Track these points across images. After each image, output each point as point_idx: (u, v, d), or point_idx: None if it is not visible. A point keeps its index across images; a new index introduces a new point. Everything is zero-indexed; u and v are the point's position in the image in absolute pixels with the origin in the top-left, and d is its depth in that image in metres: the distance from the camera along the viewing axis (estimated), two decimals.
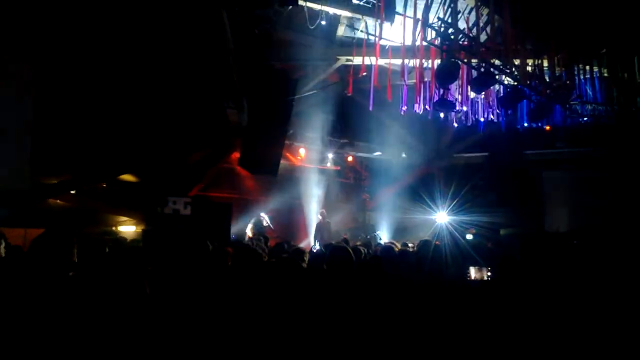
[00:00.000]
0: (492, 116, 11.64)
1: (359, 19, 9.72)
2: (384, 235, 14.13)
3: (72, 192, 9.60)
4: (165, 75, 8.30)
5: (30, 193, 8.69)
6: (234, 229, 11.26)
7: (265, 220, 12.04)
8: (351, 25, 10.05)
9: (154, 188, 9.64)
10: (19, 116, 7.20)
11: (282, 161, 10.69)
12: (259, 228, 11.75)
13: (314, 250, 9.32)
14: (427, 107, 10.34)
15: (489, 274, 5.63)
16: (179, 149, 9.30)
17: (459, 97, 10.31)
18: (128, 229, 10.27)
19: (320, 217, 12.84)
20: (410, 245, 8.54)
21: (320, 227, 12.65)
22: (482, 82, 8.68)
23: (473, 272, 5.81)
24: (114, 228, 10.27)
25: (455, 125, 12.52)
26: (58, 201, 9.58)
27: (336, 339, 3.14)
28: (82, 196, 9.68)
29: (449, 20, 8.16)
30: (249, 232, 11.68)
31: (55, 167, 9.01)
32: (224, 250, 4.74)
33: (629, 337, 3.75)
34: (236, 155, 11.07)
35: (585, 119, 11.97)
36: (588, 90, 11.28)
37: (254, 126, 9.60)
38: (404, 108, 10.73)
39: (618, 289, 4.47)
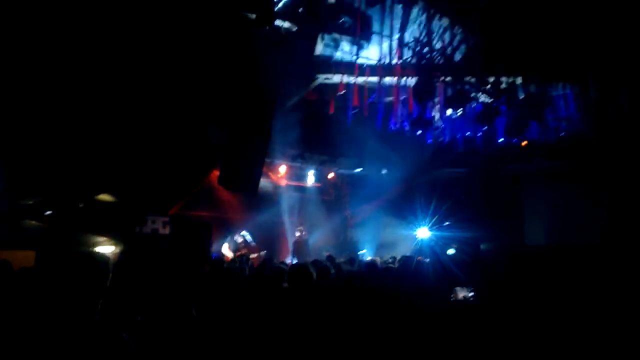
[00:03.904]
0: (468, 132, 11.84)
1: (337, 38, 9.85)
2: (366, 252, 14.16)
3: (48, 212, 9.44)
4: (142, 94, 8.29)
5: (5, 214, 8.54)
6: (215, 247, 11.18)
7: (247, 237, 11.98)
8: (329, 44, 10.16)
9: (132, 207, 9.54)
10: None
11: (262, 179, 10.67)
12: (235, 247, 11.72)
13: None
14: (404, 124, 10.49)
15: (472, 293, 5.66)
16: (157, 168, 9.24)
17: (437, 114, 10.48)
18: (106, 249, 10.11)
19: (297, 234, 12.81)
20: (389, 260, 8.57)
21: (297, 245, 12.62)
22: (458, 100, 8.87)
23: (458, 292, 5.82)
24: (91, 248, 10.11)
25: (432, 141, 12.72)
26: (33, 222, 9.41)
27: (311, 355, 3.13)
28: (58, 216, 9.52)
29: (424, 40, 8.34)
30: (225, 252, 11.62)
31: (31, 187, 8.88)
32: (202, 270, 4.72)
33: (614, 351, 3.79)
34: (216, 173, 11.02)
35: (563, 133, 12.23)
36: (562, 106, 11.54)
37: (234, 144, 9.59)
38: (379, 125, 10.87)
39: (600, 304, 4.53)
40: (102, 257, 2.32)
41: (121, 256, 9.09)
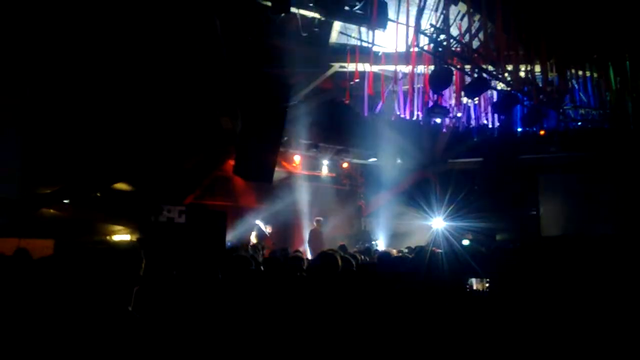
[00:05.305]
0: (485, 121, 11.66)
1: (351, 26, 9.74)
2: (380, 242, 14.10)
3: (65, 201, 9.55)
4: (157, 84, 8.30)
5: (23, 202, 8.66)
6: (232, 236, 11.24)
7: (262, 226, 12.07)
8: (344, 32, 10.06)
9: (148, 196, 9.61)
10: (10, 125, 7.17)
11: (277, 168, 10.67)
12: (261, 235, 11.83)
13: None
14: (419, 113, 10.38)
15: (487, 285, 5.59)
16: (172, 156, 9.28)
17: (453, 102, 10.33)
18: (122, 238, 10.22)
19: (314, 225, 12.80)
20: (405, 250, 8.52)
21: (313, 234, 12.63)
22: (475, 88, 8.72)
23: (474, 283, 5.76)
24: (108, 237, 10.22)
25: (445, 130, 12.62)
26: (52, 210, 9.54)
27: (326, 345, 3.12)
28: (76, 205, 9.63)
29: (441, 27, 8.20)
30: (253, 239, 11.73)
31: (49, 176, 8.98)
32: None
33: (627, 343, 3.72)
34: (231, 162, 11.05)
35: (579, 123, 12.02)
36: (581, 95, 11.33)
37: (248, 133, 9.59)
38: (397, 114, 10.77)
39: (614, 296, 4.45)
40: (134, 247, 2.28)
41: (137, 244, 9.17)
